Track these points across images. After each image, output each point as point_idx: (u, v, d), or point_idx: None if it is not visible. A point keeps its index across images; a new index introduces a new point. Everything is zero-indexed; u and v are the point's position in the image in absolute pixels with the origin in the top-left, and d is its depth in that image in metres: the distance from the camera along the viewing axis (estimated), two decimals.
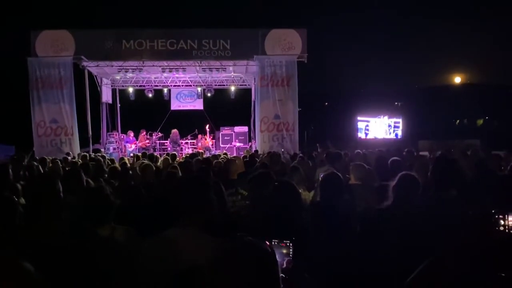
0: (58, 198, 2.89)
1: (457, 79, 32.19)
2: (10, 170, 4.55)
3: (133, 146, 18.78)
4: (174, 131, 19.08)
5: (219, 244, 1.42)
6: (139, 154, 12.43)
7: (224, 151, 14.16)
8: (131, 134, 19.38)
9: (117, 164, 7.65)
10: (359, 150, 10.63)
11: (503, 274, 1.93)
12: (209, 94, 20.50)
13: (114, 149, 18.29)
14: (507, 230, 2.24)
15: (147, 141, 19.18)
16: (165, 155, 11.18)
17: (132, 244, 2.81)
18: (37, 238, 2.54)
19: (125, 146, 19.04)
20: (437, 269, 1.67)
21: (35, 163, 7.60)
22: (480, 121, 38.13)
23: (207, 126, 20.17)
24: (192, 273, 1.75)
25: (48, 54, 15.93)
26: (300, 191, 4.56)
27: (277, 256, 1.42)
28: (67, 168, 7.16)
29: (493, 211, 2.23)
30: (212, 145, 19.98)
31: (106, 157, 11.05)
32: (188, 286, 1.82)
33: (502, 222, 2.24)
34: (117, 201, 3.27)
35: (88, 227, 3.01)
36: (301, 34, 16.79)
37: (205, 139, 19.66)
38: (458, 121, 38.20)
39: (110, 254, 2.42)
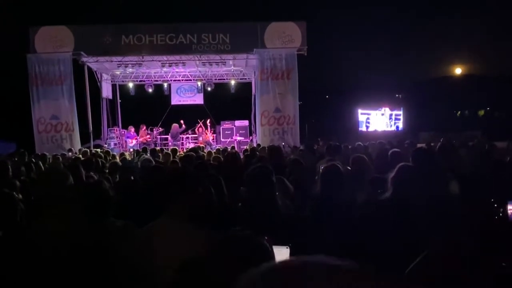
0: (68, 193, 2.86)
1: (458, 70, 32.08)
2: (9, 166, 4.54)
3: (134, 142, 18.76)
4: (174, 125, 19.06)
5: (206, 236, 1.43)
6: (139, 149, 12.43)
7: (217, 148, 14.16)
8: (132, 129, 19.36)
9: (117, 159, 7.66)
10: (360, 143, 10.62)
11: (504, 264, 1.92)
12: (209, 89, 20.45)
13: (115, 144, 18.29)
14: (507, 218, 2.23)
15: (148, 136, 19.15)
16: (166, 150, 11.17)
17: (130, 239, 2.81)
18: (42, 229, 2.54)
19: (126, 141, 19.02)
20: (434, 260, 1.66)
21: (33, 159, 7.61)
22: (481, 112, 38.05)
23: (208, 121, 20.13)
24: (189, 266, 1.76)
25: (47, 50, 15.91)
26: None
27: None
28: (66, 164, 7.16)
29: (492, 200, 2.23)
30: (213, 139, 19.95)
31: (110, 152, 11.08)
32: (185, 279, 1.82)
33: (502, 210, 2.23)
34: (116, 196, 3.26)
35: (87, 222, 3.02)
36: (301, 26, 16.73)
37: (206, 134, 19.63)
38: (459, 112, 38.12)
39: (108, 248, 2.41)
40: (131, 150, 15.55)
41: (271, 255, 1.38)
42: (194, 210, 2.62)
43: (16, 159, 8.48)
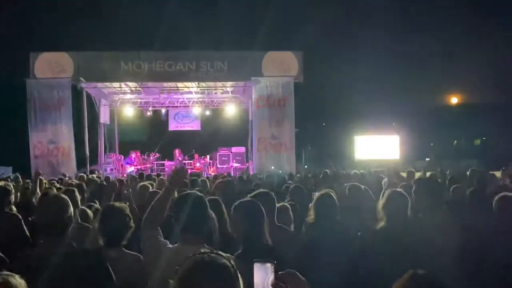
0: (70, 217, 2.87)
1: (454, 100, 32.44)
2: (10, 191, 4.52)
3: (133, 168, 18.79)
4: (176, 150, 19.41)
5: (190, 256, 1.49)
6: (136, 175, 12.42)
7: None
8: (133, 154, 19.41)
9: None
10: (356, 171, 10.65)
11: None
12: (207, 114, 20.62)
13: (111, 170, 18.28)
14: None
15: (145, 162, 19.28)
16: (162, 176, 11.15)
17: (136, 271, 2.81)
18: (45, 251, 2.54)
19: (124, 166, 19.09)
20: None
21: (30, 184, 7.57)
22: (477, 142, 38.25)
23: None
24: None
25: (46, 76, 16.09)
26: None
27: (258, 277, 1.45)
28: (62, 188, 7.13)
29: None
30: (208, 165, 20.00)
31: (101, 177, 11.07)
32: None
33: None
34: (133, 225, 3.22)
35: (100, 247, 3.01)
36: (298, 56, 17.00)
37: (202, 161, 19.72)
38: (455, 141, 38.31)
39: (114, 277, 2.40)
40: (125, 175, 15.54)
41: (233, 275, 1.43)
42: (208, 235, 2.66)
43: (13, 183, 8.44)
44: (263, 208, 3.03)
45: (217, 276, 1.41)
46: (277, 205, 3.82)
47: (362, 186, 5.33)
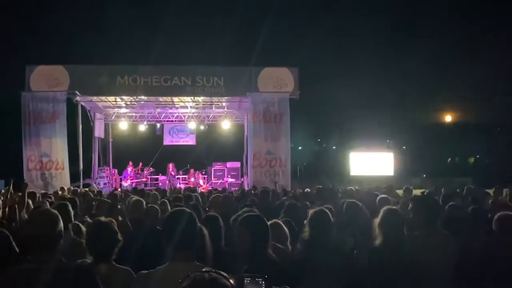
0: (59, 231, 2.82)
1: (448, 118, 32.70)
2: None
3: (129, 182, 18.71)
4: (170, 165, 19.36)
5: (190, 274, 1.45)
6: (129, 190, 12.33)
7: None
8: (129, 168, 19.32)
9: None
10: (351, 187, 10.62)
11: None
12: (202, 129, 20.62)
13: (105, 184, 18.17)
14: None
15: (140, 176, 19.22)
16: (154, 190, 11.07)
17: (127, 286, 2.76)
18: (33, 267, 2.49)
19: (117, 180, 19.02)
20: None
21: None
22: (472, 159, 38.45)
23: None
24: None
25: (42, 89, 16.04)
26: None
27: None
28: (54, 203, 7.05)
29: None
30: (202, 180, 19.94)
31: (102, 192, 11.00)
32: None
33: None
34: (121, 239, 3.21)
35: (91, 263, 2.97)
36: (293, 72, 17.09)
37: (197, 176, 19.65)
38: (449, 159, 38.49)
39: None
40: (119, 190, 15.45)
41: None
42: (201, 253, 2.65)
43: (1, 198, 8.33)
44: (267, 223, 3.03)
45: None
46: (270, 222, 3.78)
47: (359, 204, 5.30)
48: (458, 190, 8.79)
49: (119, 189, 15.06)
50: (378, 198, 5.40)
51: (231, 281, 1.43)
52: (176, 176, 19.60)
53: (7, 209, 4.74)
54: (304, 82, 17.66)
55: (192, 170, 19.90)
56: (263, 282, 1.46)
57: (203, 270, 1.45)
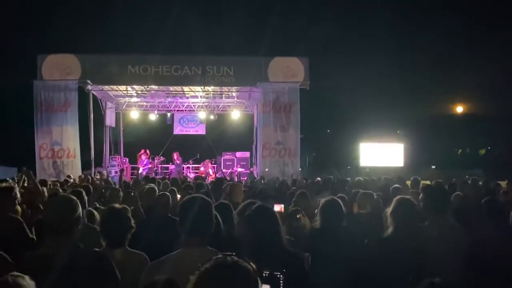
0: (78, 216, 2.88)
1: (459, 109, 32.35)
2: (16, 192, 4.54)
3: (141, 169, 18.87)
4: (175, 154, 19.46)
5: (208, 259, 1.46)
6: (140, 178, 12.43)
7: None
8: (144, 156, 19.42)
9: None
10: (360, 178, 10.61)
11: None
12: (212, 118, 20.68)
13: (116, 172, 18.32)
14: None
15: (150, 165, 19.33)
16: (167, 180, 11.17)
17: (142, 271, 2.82)
18: (50, 252, 2.55)
19: (128, 169, 19.21)
20: None
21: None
22: (483, 151, 38.09)
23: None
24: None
25: (54, 78, 16.14)
26: (298, 216, 4.54)
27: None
28: (68, 191, 7.16)
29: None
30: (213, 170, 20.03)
31: (110, 180, 11.11)
32: None
33: None
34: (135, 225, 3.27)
35: (105, 248, 3.05)
36: (304, 62, 17.00)
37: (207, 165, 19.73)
38: (460, 150, 38.17)
39: (119, 278, 2.40)
40: (126, 175, 15.60)
41: (255, 281, 1.41)
42: (213, 240, 2.70)
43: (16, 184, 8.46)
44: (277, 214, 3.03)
45: (240, 279, 1.39)
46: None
47: (374, 194, 5.30)
48: (469, 181, 8.74)
49: (128, 176, 15.21)
50: (391, 188, 5.39)
51: (254, 266, 1.45)
52: (183, 165, 19.68)
53: (22, 196, 4.83)
54: (314, 72, 17.58)
55: (207, 160, 19.96)
56: (281, 277, 1.48)
57: (225, 254, 1.46)
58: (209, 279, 1.39)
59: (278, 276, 1.54)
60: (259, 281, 1.42)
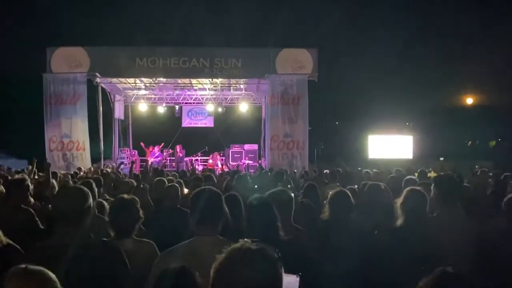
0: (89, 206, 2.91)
1: (469, 100, 32.02)
2: (29, 183, 4.59)
3: (152, 160, 18.96)
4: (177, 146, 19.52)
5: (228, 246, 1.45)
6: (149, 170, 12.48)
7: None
8: (156, 149, 19.46)
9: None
10: (368, 170, 10.56)
11: None
12: (220, 111, 20.69)
13: (125, 165, 18.41)
14: None
15: (160, 157, 19.41)
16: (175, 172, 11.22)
17: (152, 259, 2.85)
18: (60, 242, 2.57)
19: (137, 161, 19.27)
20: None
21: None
22: (493, 143, 37.71)
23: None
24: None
25: (63, 71, 16.24)
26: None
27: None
28: (78, 182, 7.22)
29: None
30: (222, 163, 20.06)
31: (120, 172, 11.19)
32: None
33: None
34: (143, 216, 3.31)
35: (112, 238, 3.08)
36: (312, 54, 16.91)
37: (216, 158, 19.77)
38: (469, 142, 37.84)
39: (129, 267, 2.43)
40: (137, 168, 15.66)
41: (279, 265, 1.41)
42: (223, 230, 2.76)
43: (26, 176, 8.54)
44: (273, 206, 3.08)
45: (265, 265, 1.39)
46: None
47: (382, 185, 5.27)
48: (478, 172, 8.68)
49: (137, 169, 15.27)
50: (404, 179, 5.36)
51: (277, 252, 1.44)
52: (185, 158, 19.72)
53: (33, 187, 4.87)
54: (323, 64, 17.48)
55: (216, 153, 19.99)
56: (298, 278, 1.48)
57: (247, 240, 1.45)
58: (235, 262, 1.38)
59: (296, 276, 1.54)
60: (283, 270, 1.41)
